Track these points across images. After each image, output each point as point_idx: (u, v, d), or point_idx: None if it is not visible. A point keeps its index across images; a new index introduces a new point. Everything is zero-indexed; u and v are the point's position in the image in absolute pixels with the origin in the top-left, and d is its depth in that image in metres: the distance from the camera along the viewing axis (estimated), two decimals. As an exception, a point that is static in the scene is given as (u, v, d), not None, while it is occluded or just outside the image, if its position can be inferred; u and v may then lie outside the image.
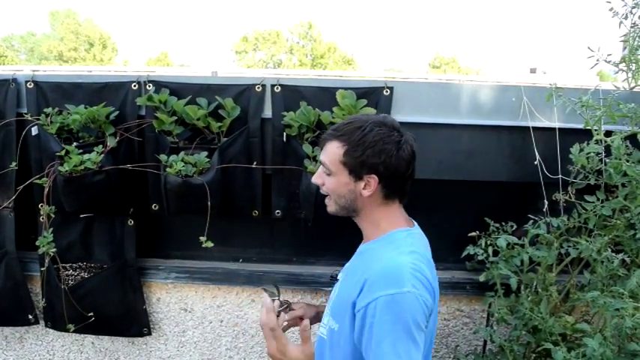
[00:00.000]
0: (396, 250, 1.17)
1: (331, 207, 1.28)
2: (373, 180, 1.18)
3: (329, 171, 1.22)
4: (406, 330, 1.05)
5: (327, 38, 42.04)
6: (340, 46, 41.91)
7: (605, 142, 1.61)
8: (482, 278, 1.77)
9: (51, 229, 1.86)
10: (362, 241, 1.32)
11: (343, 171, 1.20)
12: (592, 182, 1.67)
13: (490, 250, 1.71)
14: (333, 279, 1.36)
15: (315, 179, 1.27)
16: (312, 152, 1.76)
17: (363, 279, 1.12)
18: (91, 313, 1.97)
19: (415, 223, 1.31)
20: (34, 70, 2.04)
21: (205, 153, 1.80)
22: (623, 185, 1.60)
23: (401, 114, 1.81)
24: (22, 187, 1.89)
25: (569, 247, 1.66)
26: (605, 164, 1.65)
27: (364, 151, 1.16)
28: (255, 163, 1.88)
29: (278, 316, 1.27)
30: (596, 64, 1.77)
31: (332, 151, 1.20)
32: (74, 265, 2.02)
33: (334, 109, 1.77)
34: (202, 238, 1.80)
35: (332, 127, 1.24)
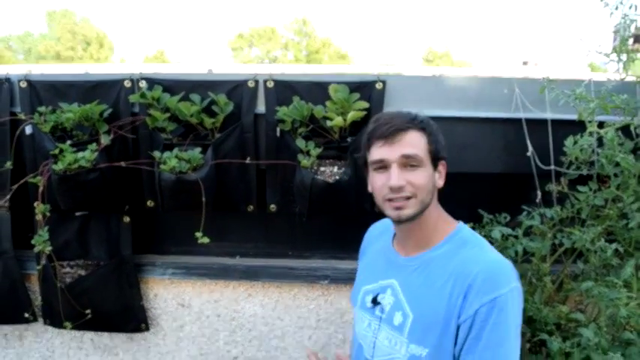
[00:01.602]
0: (477, 247, 1.09)
1: (412, 208, 1.07)
2: (444, 167, 1.08)
3: (418, 163, 1.05)
4: (516, 326, 1.03)
5: (322, 34, 41.98)
6: (335, 41, 41.88)
7: (598, 133, 1.62)
8: (476, 270, 1.78)
9: (46, 228, 1.86)
10: (401, 249, 1.18)
11: (429, 162, 1.07)
12: (584, 173, 1.68)
13: (484, 241, 1.71)
14: (376, 303, 1.18)
15: (399, 181, 1.05)
16: (306, 147, 1.76)
17: (465, 286, 1.02)
18: (89, 310, 1.98)
19: None
20: (29, 70, 2.03)
21: (199, 149, 1.81)
22: (616, 175, 1.61)
23: (394, 107, 1.81)
24: (16, 186, 1.89)
25: (563, 237, 1.67)
26: (598, 155, 1.65)
27: (438, 135, 1.07)
28: (249, 158, 1.89)
29: None
30: (588, 54, 1.77)
31: (416, 141, 1.06)
32: (71, 262, 2.02)
33: (327, 103, 1.77)
34: (198, 234, 1.80)
35: (394, 122, 1.06)
